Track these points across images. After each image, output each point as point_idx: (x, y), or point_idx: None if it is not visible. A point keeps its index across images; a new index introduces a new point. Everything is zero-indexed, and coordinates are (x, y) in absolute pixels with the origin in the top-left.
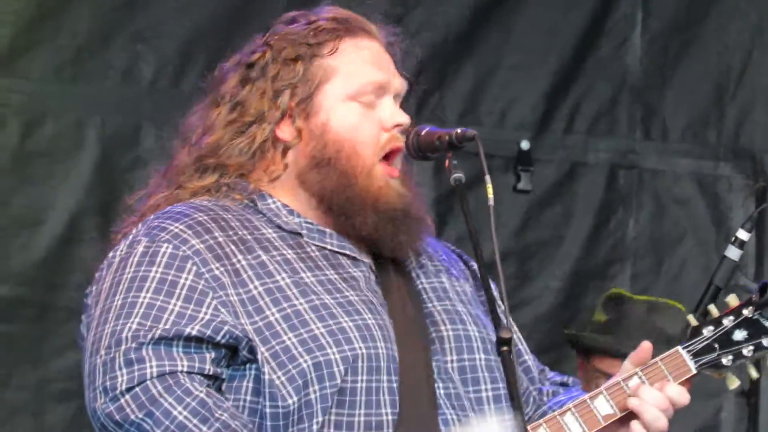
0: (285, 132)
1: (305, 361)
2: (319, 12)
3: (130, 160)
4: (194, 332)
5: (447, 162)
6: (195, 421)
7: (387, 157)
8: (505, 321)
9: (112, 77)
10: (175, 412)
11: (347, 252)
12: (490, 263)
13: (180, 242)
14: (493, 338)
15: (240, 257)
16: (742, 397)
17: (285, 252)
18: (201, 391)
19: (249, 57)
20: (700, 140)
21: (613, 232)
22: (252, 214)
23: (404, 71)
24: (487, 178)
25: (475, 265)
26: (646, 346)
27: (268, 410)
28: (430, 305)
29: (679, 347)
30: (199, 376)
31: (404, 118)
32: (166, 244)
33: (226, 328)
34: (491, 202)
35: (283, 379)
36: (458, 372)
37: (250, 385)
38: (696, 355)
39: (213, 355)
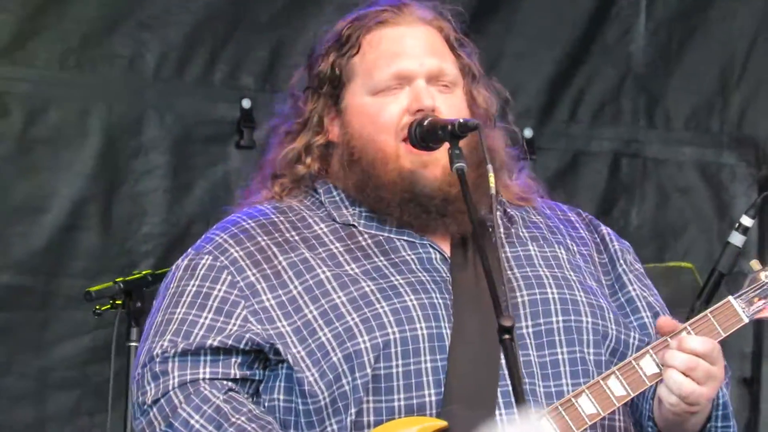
0: (332, 134)
1: (336, 355)
2: (347, 16)
3: (134, 148)
4: (216, 343)
5: (449, 151)
6: (210, 428)
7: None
8: (505, 308)
9: (117, 65)
10: (192, 421)
11: (405, 237)
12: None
13: (220, 252)
14: (589, 300)
15: (281, 258)
16: (744, 386)
17: (332, 247)
18: (218, 398)
19: (298, 77)
20: (703, 129)
21: (616, 220)
22: (314, 210)
23: (453, 31)
24: (489, 167)
25: (604, 230)
26: (663, 321)
27: (301, 407)
28: (510, 273)
29: (730, 297)
30: (222, 381)
31: (427, 102)
32: (207, 256)
33: (248, 336)
34: (493, 191)
35: (316, 375)
36: (534, 337)
37: (282, 384)
38: (749, 303)
39: (239, 359)
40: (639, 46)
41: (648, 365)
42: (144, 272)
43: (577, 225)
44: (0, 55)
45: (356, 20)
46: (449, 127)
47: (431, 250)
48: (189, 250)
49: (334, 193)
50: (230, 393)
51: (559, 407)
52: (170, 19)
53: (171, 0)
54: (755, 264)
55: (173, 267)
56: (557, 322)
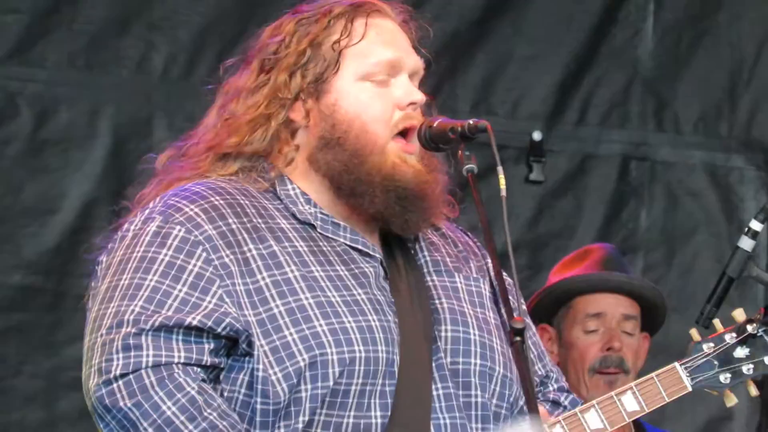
0: (296, 113)
1: (303, 359)
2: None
3: (143, 150)
4: (195, 322)
5: (460, 153)
6: (182, 418)
7: (403, 135)
8: (517, 311)
9: (126, 66)
10: (164, 407)
11: (359, 247)
12: (503, 254)
13: (193, 226)
14: (501, 348)
15: (251, 246)
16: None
17: (297, 244)
18: (193, 388)
19: (264, 46)
20: (712, 132)
21: (625, 223)
22: (270, 200)
23: (421, 50)
24: (500, 169)
25: (490, 263)
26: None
27: (258, 406)
28: (437, 302)
29: (676, 363)
30: (195, 368)
31: (418, 96)
32: (178, 227)
33: (227, 320)
34: (504, 192)
35: (279, 375)
36: (450, 375)
37: (246, 378)
38: (693, 371)
39: (212, 345)
40: (647, 49)
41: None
42: None
43: (477, 252)
44: (10, 55)
45: (329, 5)
46: (459, 128)
47: (378, 265)
48: (149, 213)
49: (289, 186)
50: (202, 384)
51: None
52: (179, 20)
53: (180, 1)
54: (695, 334)
55: (131, 226)
56: (474, 364)
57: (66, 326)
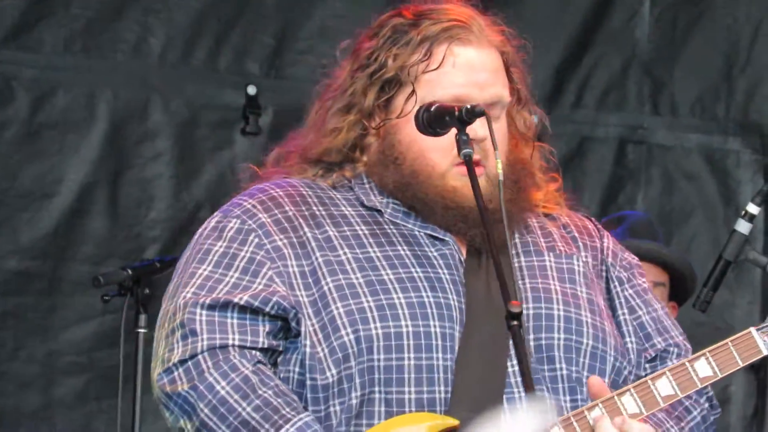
0: (371, 127)
1: (347, 334)
2: (427, 11)
3: (140, 133)
4: (242, 302)
5: (456, 137)
6: (236, 396)
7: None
8: (515, 295)
9: (123, 50)
10: (218, 387)
11: (429, 231)
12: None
13: (248, 217)
14: (594, 321)
15: (307, 230)
16: (752, 372)
17: (357, 228)
18: (247, 368)
19: (358, 49)
20: (708, 115)
21: (621, 206)
22: (342, 192)
23: (516, 67)
24: (497, 153)
25: (611, 242)
26: (595, 381)
27: (308, 382)
28: (520, 283)
29: (752, 329)
30: (252, 351)
31: (480, 133)
32: (234, 219)
33: (274, 299)
34: (501, 177)
35: (326, 351)
36: (535, 350)
37: (299, 357)
38: None
39: (267, 327)
40: (644, 32)
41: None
42: (152, 258)
43: (593, 234)
44: (7, 40)
45: (425, 19)
46: (456, 112)
47: (452, 247)
48: (216, 212)
49: (365, 181)
50: (259, 365)
51: (572, 418)
52: (176, 4)
53: None
54: None
55: (200, 229)
56: (558, 339)
57: (62, 311)
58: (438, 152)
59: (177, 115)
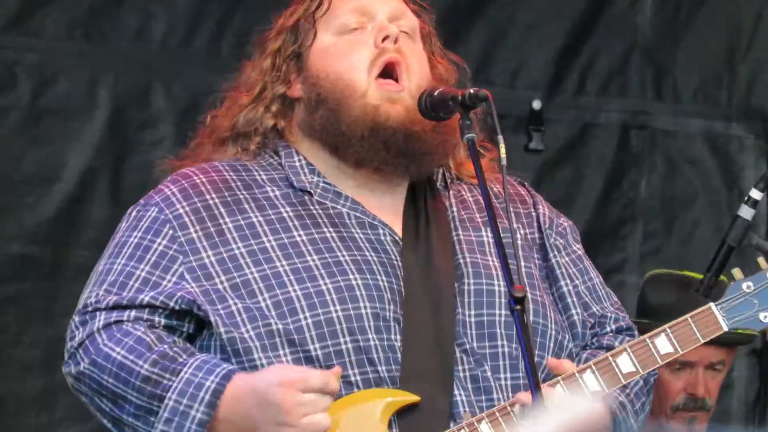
0: (292, 90)
1: (275, 324)
2: None
3: (142, 119)
4: (147, 298)
5: (459, 122)
6: (132, 357)
7: (388, 76)
8: (517, 278)
9: (124, 36)
10: (114, 354)
11: (358, 215)
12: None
13: (166, 205)
14: (534, 296)
15: (228, 219)
16: (754, 356)
17: (282, 210)
18: (139, 330)
19: (265, 35)
20: (711, 101)
21: (625, 192)
22: (270, 172)
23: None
24: (500, 138)
25: (546, 209)
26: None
27: (246, 365)
28: (460, 257)
29: (711, 304)
30: (145, 323)
31: (393, 30)
32: (153, 208)
33: (179, 294)
34: (504, 161)
35: (252, 334)
36: (475, 327)
37: (218, 343)
38: (729, 312)
39: (166, 313)
40: (646, 17)
41: (624, 363)
42: None
43: (527, 200)
44: (8, 26)
45: None
46: (459, 97)
47: (381, 230)
48: (140, 200)
49: (295, 158)
50: (153, 328)
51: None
52: None
53: None
54: (737, 273)
55: (126, 214)
56: (500, 315)
57: (64, 296)
58: (354, 69)
59: (179, 101)
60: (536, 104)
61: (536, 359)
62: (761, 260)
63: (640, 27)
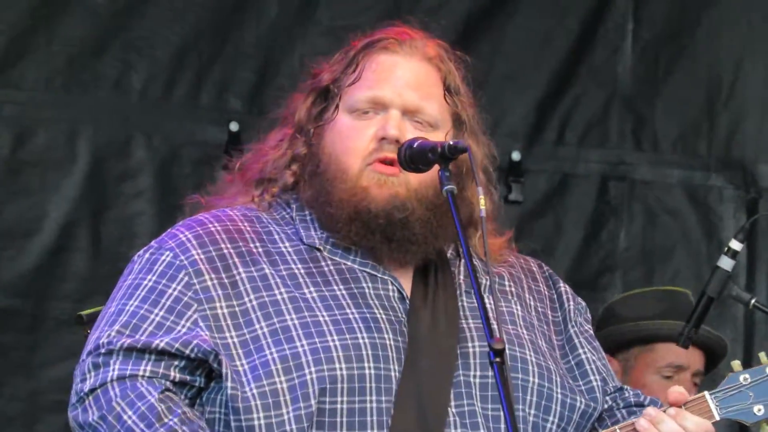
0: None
1: (280, 382)
2: (362, 38)
3: (122, 171)
4: (162, 344)
5: (438, 173)
6: (141, 425)
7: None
8: (497, 332)
9: (104, 87)
10: (125, 416)
11: (368, 270)
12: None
13: (181, 251)
14: (538, 360)
15: (242, 269)
16: None
17: (294, 267)
18: (153, 396)
19: (302, 87)
20: (691, 151)
21: (604, 242)
22: (282, 226)
23: (453, 81)
24: (479, 189)
25: (562, 287)
26: (678, 389)
27: (233, 424)
28: (463, 322)
29: (706, 393)
30: (161, 380)
31: (391, 132)
32: (168, 252)
33: (195, 342)
34: (483, 213)
35: (255, 392)
36: (480, 388)
37: (223, 398)
38: (723, 402)
39: (182, 364)
40: (626, 67)
41: None
42: None
43: (538, 277)
44: None
45: (366, 41)
46: (439, 148)
47: (390, 286)
48: (152, 242)
49: (306, 212)
50: (167, 393)
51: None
52: (157, 40)
53: (157, 21)
54: (736, 365)
55: (135, 257)
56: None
57: (45, 349)
58: (351, 154)
59: (159, 152)
60: (516, 155)
61: (541, 421)
62: (762, 355)
63: (620, 76)
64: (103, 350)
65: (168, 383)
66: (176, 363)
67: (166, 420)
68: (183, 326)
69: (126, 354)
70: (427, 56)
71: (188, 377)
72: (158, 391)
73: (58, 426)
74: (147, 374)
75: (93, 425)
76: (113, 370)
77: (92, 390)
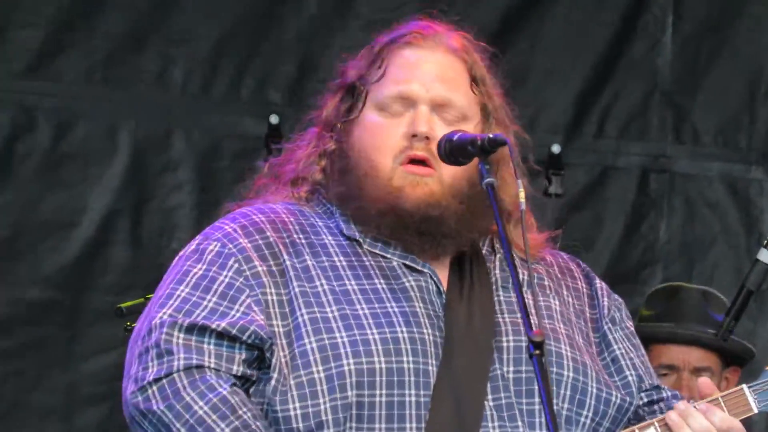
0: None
1: (318, 372)
2: (385, 33)
3: (161, 164)
4: (219, 329)
5: (478, 167)
6: (214, 416)
7: (416, 161)
8: (536, 325)
9: (144, 81)
10: (195, 407)
11: (408, 263)
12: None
13: (228, 240)
14: (573, 355)
15: (286, 258)
16: None
17: (335, 259)
18: (225, 388)
19: (331, 84)
20: (731, 144)
21: (644, 235)
22: (324, 219)
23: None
24: (520, 182)
25: (598, 284)
26: (703, 381)
27: (270, 414)
28: (499, 317)
29: (744, 386)
30: (226, 375)
31: (421, 128)
32: (215, 242)
33: (252, 328)
34: (523, 206)
35: (292, 383)
36: (514, 383)
37: (267, 388)
38: (762, 394)
39: (244, 355)
40: (666, 60)
41: None
42: None
43: (576, 275)
44: (28, 70)
45: (390, 36)
46: (479, 141)
47: (429, 279)
48: (198, 236)
49: (342, 208)
50: (235, 387)
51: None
52: (197, 35)
53: (197, 15)
54: None
55: (181, 251)
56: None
57: (83, 341)
58: (382, 153)
59: (199, 145)
60: (556, 148)
61: (575, 415)
62: None
63: (659, 69)
64: (162, 331)
65: (232, 377)
66: (239, 354)
67: (240, 413)
68: (237, 310)
69: (187, 335)
70: (452, 48)
71: (248, 371)
72: (229, 384)
73: (95, 418)
74: (213, 365)
75: (158, 414)
76: (178, 359)
77: (157, 379)
